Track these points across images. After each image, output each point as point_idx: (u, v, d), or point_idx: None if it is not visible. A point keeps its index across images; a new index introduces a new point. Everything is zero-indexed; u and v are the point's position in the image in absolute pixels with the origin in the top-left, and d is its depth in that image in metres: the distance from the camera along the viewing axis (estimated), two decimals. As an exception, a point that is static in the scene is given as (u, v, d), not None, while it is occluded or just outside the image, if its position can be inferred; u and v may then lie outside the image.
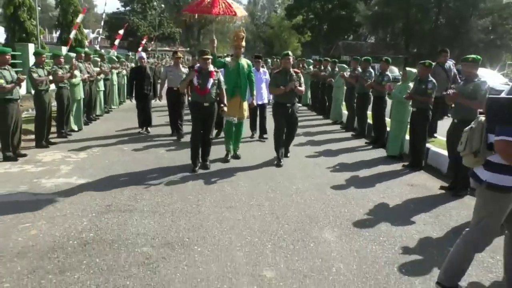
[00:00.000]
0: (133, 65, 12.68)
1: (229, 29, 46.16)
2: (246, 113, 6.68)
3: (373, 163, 6.71)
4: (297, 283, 3.01)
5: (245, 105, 6.55)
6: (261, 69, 8.50)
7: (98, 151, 6.89)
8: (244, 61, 6.49)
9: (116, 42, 20.76)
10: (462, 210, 4.63)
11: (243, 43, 6.35)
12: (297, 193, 5.03)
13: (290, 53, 6.37)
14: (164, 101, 8.67)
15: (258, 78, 7.78)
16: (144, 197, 4.72)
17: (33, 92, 7.01)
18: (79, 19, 14.01)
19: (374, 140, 8.05)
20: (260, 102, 8.02)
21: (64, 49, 13.13)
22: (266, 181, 5.45)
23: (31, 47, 12.69)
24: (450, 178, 5.51)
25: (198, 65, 5.91)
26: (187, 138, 7.27)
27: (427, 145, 6.67)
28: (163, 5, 50.24)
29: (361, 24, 50.95)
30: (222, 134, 7.59)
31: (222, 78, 6.00)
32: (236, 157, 6.61)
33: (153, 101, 8.74)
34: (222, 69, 6.46)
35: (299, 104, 10.06)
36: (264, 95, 8.25)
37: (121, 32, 20.90)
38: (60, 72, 7.28)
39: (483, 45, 43.73)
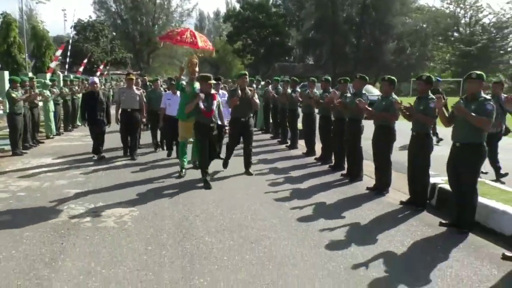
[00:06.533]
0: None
1: (177, 52, 50.89)
2: None
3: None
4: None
5: None
6: (220, 91, 8.38)
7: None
8: (198, 85, 6.62)
9: (81, 69, 25.05)
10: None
11: (197, 69, 6.62)
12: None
13: (246, 73, 7.10)
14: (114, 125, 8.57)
15: None
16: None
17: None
18: (58, 53, 18.39)
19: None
20: (219, 123, 7.62)
21: (48, 76, 17.30)
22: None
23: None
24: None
25: (199, 88, 6.36)
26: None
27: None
28: (114, 33, 54.39)
29: (293, 48, 57.89)
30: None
31: (220, 100, 6.63)
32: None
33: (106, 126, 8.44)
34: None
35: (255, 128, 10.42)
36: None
37: (85, 61, 25.28)
38: (64, 90, 11.67)
39: (395, 65, 51.65)
